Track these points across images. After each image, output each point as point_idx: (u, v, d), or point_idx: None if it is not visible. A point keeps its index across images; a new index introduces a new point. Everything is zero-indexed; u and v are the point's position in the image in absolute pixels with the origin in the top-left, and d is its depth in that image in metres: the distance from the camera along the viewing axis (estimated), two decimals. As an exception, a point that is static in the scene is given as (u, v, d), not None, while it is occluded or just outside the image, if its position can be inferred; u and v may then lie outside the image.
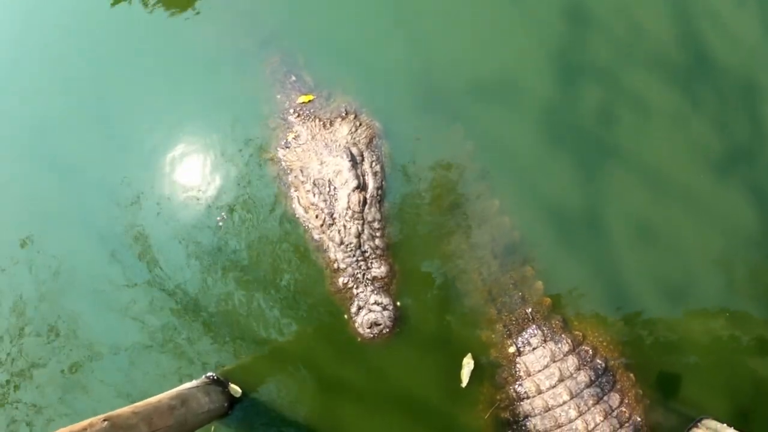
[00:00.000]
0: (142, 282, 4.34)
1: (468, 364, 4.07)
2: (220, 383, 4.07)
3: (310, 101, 4.50)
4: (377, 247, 4.12)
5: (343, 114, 4.44)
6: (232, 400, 4.08)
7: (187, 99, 4.71)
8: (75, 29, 5.11)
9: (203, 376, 4.10)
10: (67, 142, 4.79)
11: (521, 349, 4.03)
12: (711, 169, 4.44)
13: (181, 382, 4.03)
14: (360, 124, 4.37)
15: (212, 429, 4.08)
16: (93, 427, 2.97)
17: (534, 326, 4.07)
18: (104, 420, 3.04)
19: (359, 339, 4.04)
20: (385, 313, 3.99)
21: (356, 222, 4.09)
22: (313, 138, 4.32)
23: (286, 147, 4.37)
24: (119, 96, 4.80)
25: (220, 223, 4.36)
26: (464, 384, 4.04)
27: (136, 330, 4.26)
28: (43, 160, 4.78)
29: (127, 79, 4.84)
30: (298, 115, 4.46)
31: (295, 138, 4.37)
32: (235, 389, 4.07)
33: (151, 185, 4.51)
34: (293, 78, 4.59)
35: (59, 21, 5.18)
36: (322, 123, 4.38)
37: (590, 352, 4.02)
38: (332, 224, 4.11)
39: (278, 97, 4.55)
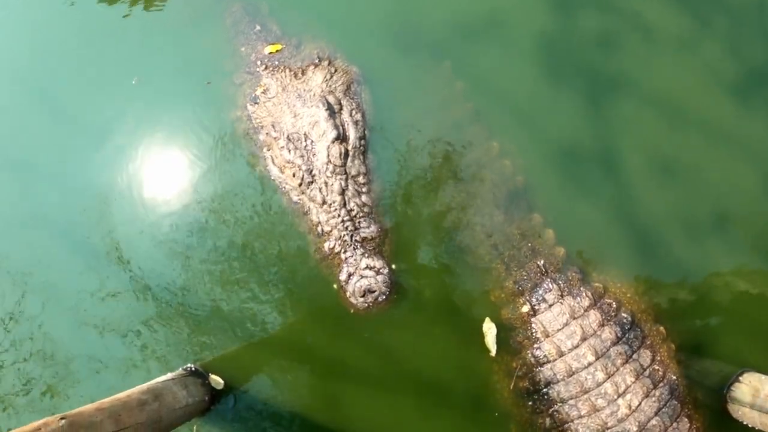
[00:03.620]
0: (113, 281, 3.92)
1: (490, 330, 3.68)
2: (199, 375, 3.67)
3: (278, 51, 4.11)
4: (364, 205, 3.70)
5: (316, 61, 4.05)
6: (214, 394, 3.69)
7: (143, 66, 4.26)
8: (17, 14, 4.64)
9: (180, 368, 3.70)
10: (20, 135, 4.33)
11: (536, 308, 3.62)
12: (728, 94, 4.10)
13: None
14: (335, 71, 3.97)
15: (194, 428, 3.70)
16: (48, 426, 2.62)
17: (548, 280, 3.66)
18: (61, 418, 2.68)
19: (352, 310, 3.63)
20: (379, 277, 3.57)
21: (339, 177, 3.68)
22: (284, 90, 3.90)
23: (255, 103, 3.95)
24: (70, 80, 4.35)
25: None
26: (493, 352, 3.66)
27: (113, 339, 3.87)
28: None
29: (77, 55, 4.39)
30: (266, 67, 4.05)
31: (264, 92, 3.95)
32: (217, 380, 3.68)
33: (113, 173, 4.07)
34: (258, 27, 4.18)
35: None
36: (293, 73, 3.97)
37: (614, 305, 3.62)
38: (312, 182, 3.69)
39: (242, 50, 4.15)
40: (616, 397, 3.42)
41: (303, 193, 3.74)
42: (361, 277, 3.57)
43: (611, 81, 4.16)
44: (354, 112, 3.87)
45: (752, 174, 4.00)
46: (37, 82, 4.39)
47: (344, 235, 3.63)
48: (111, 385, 3.75)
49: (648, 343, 3.59)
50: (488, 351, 3.66)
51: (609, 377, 3.45)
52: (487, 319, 3.71)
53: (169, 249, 3.91)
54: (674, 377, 3.55)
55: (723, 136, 4.06)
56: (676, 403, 3.47)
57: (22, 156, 4.27)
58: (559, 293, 3.63)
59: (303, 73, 3.97)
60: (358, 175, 3.74)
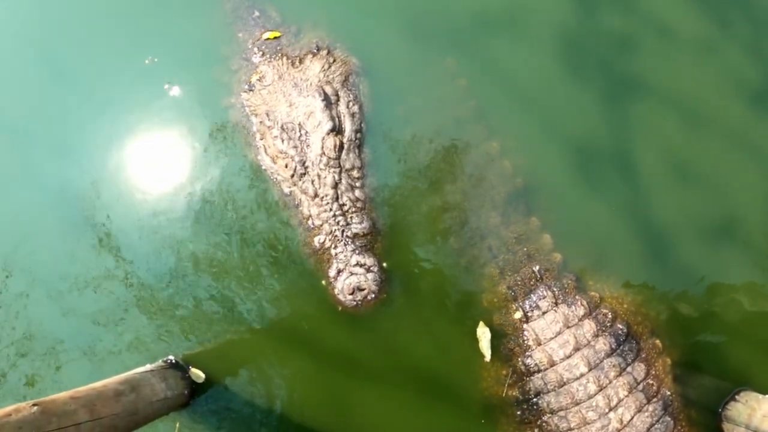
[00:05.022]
0: (97, 268, 3.81)
1: (484, 335, 3.59)
2: (179, 367, 3.58)
3: (276, 38, 4.01)
4: (357, 200, 3.60)
5: (315, 50, 3.94)
6: (194, 387, 3.59)
7: (137, 48, 4.13)
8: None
9: (160, 360, 3.61)
10: (22, 102, 4.18)
11: (529, 314, 3.52)
12: (748, 99, 4.01)
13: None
14: (334, 61, 3.87)
15: (177, 426, 3.60)
16: (19, 413, 2.53)
17: (543, 287, 3.55)
18: (33, 405, 2.59)
19: (340, 308, 3.52)
20: (369, 275, 3.46)
21: (332, 170, 3.58)
22: (280, 78, 3.81)
23: (250, 90, 3.85)
24: (59, 55, 4.21)
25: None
26: (488, 357, 3.57)
27: (94, 327, 3.77)
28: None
29: (69, 34, 4.25)
30: (263, 54, 3.95)
31: (259, 79, 3.85)
32: (198, 374, 3.58)
33: (106, 156, 3.96)
34: (257, 13, 4.08)
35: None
36: (290, 61, 3.87)
37: (609, 315, 3.51)
38: (304, 174, 3.60)
39: (240, 35, 4.04)
40: (607, 410, 3.32)
41: (295, 184, 3.65)
42: (351, 274, 3.47)
43: (628, 82, 4.08)
44: (351, 104, 3.78)
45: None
46: (45, 49, 4.26)
47: (335, 230, 3.53)
48: (89, 374, 3.65)
49: (643, 356, 3.48)
50: (481, 356, 3.57)
51: (601, 390, 3.35)
52: (481, 324, 3.61)
53: (154, 237, 3.81)
54: (668, 393, 3.45)
55: (740, 142, 3.97)
56: (669, 419, 3.37)
57: (21, 123, 4.14)
58: (554, 301, 3.53)
59: (300, 62, 3.87)
60: (353, 168, 3.65)
